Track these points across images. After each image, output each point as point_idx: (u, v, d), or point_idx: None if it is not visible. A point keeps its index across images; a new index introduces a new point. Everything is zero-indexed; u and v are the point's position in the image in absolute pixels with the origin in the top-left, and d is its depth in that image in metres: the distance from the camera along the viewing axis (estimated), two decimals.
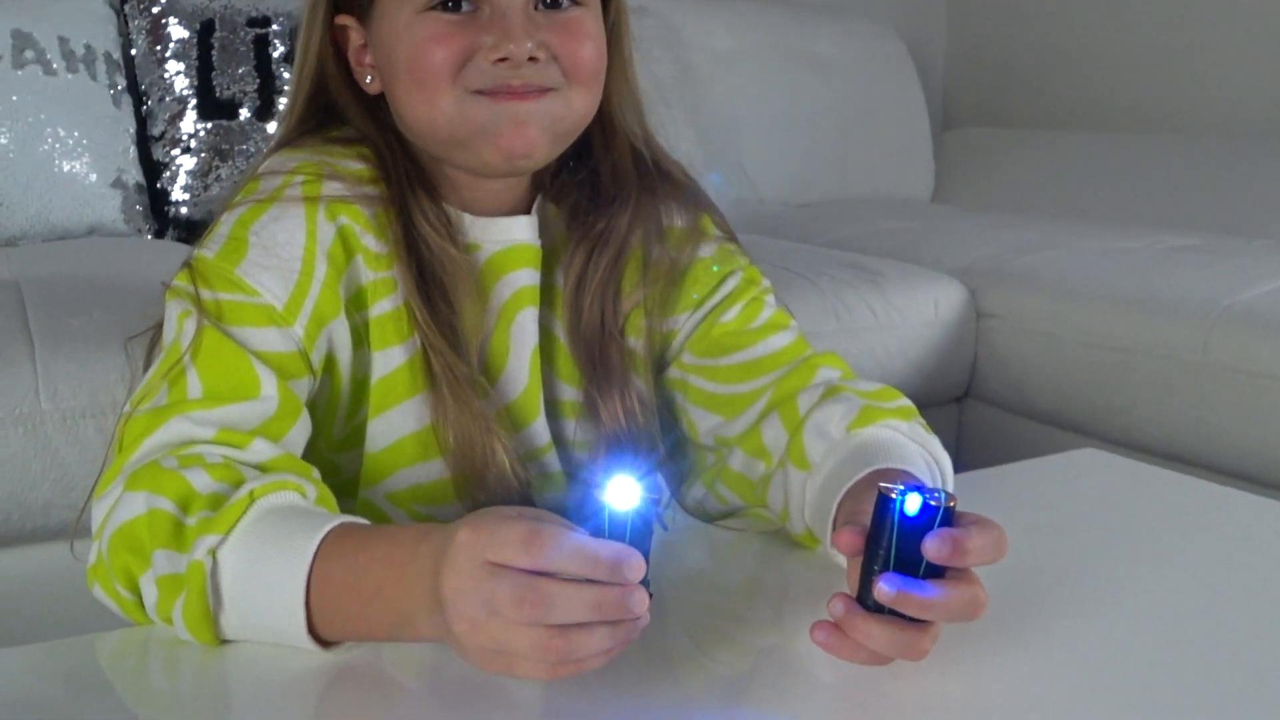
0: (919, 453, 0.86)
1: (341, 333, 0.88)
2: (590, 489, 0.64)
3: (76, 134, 1.91)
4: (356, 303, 0.89)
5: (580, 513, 0.93)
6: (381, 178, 0.90)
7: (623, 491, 0.63)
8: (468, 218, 0.94)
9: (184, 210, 1.99)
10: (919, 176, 3.01)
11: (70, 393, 1.15)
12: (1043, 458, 1.19)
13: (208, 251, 0.86)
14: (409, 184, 0.91)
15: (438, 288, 0.89)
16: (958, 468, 0.91)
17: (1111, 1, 3.08)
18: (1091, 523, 1.01)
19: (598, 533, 0.63)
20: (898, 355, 1.76)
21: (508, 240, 0.94)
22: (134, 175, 1.97)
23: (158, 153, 2.01)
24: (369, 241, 0.89)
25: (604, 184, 0.98)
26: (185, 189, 1.99)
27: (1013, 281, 1.89)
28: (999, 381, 1.88)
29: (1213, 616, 0.82)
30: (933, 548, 0.66)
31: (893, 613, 0.67)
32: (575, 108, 0.90)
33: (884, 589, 0.66)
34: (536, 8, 0.88)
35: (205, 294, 0.83)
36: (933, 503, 0.67)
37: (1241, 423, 1.57)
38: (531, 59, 0.85)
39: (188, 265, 0.86)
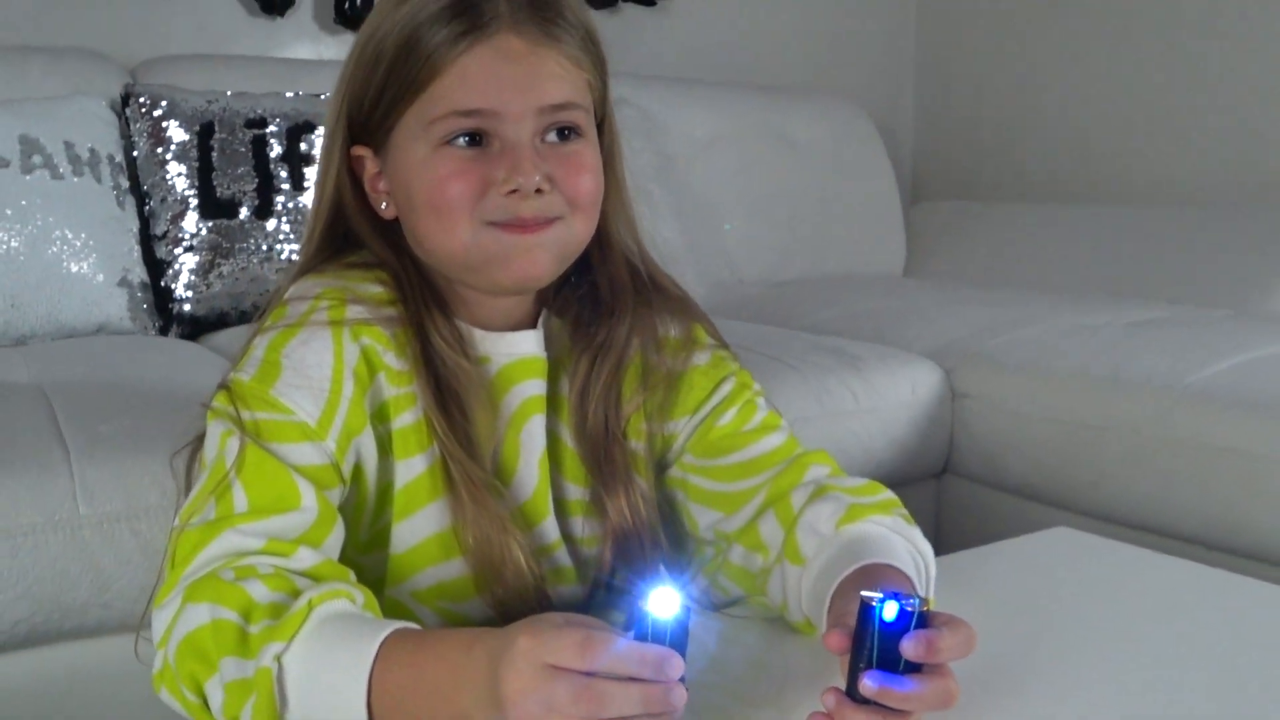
0: (902, 544, 0.94)
1: (368, 444, 0.96)
2: (638, 599, 0.73)
3: (84, 235, 1.97)
4: (380, 416, 0.97)
5: (592, 605, 1.01)
6: (399, 299, 0.98)
7: (665, 601, 0.72)
8: (478, 333, 1.02)
9: (187, 307, 2.05)
10: (891, 251, 3.10)
11: (106, 499, 1.21)
12: (1017, 538, 1.26)
13: (244, 375, 0.93)
14: (424, 304, 0.99)
15: (454, 399, 0.97)
16: (938, 541, 1.00)
17: (1073, 77, 3.19)
18: (1063, 602, 1.08)
19: (642, 636, 0.72)
20: (879, 436, 1.83)
21: (516, 353, 1.02)
22: (139, 274, 2.03)
23: (160, 251, 2.06)
24: (390, 360, 0.97)
25: (603, 297, 1.06)
26: (188, 286, 2.05)
27: (985, 363, 1.95)
28: (975, 458, 1.95)
29: (1176, 691, 0.89)
30: (909, 648, 0.75)
31: (878, 704, 0.76)
32: (577, 233, 0.99)
33: (868, 685, 0.75)
34: (542, 139, 0.96)
35: (245, 414, 0.90)
36: (908, 608, 0.76)
37: (1203, 495, 1.64)
38: (538, 190, 0.94)
39: (225, 387, 0.94)
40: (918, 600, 0.77)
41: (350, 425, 0.93)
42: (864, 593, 0.78)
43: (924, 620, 0.77)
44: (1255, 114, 2.82)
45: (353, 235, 1.04)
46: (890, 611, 0.76)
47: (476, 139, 0.95)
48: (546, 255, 0.97)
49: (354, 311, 0.96)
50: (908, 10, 3.63)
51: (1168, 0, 2.96)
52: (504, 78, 0.93)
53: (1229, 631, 1.02)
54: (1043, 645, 0.97)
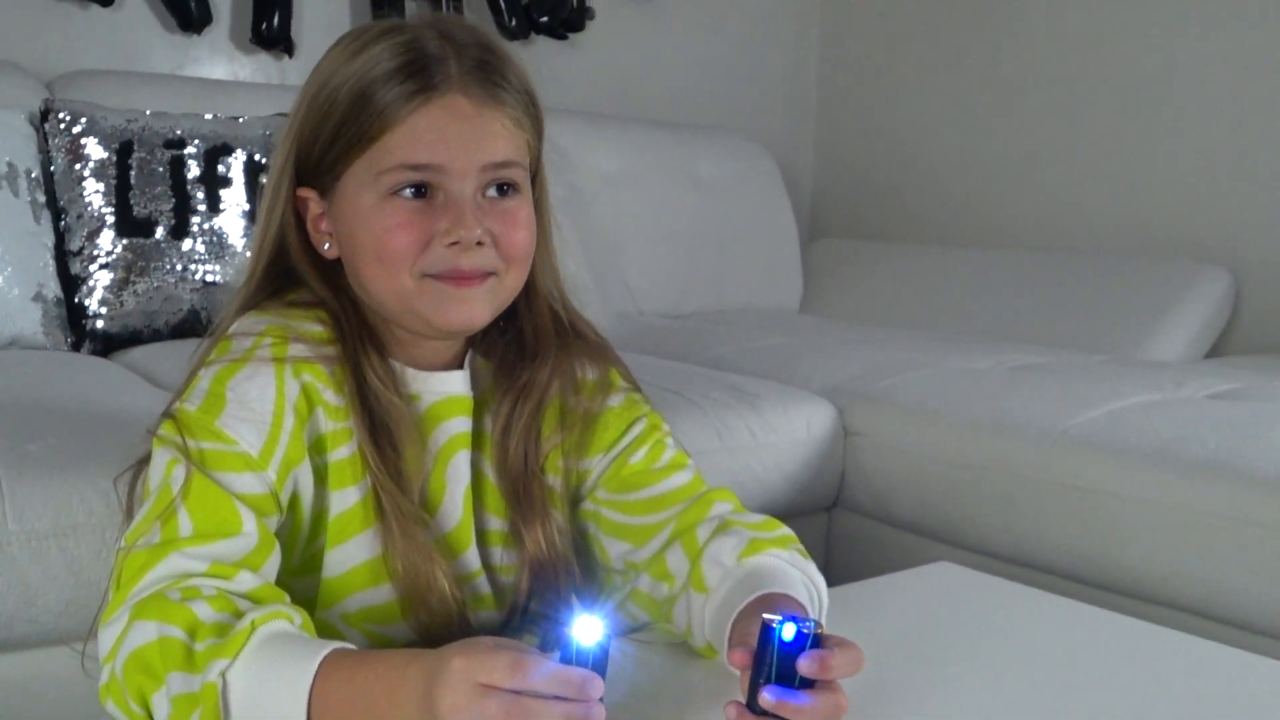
0: (798, 576, 1.03)
1: (305, 475, 1.02)
2: (563, 627, 0.80)
3: (0, 249, 1.99)
4: (317, 448, 1.02)
5: (507, 629, 1.08)
6: (337, 339, 1.04)
7: (588, 628, 0.79)
8: (410, 371, 1.08)
9: (100, 324, 2.07)
10: (788, 287, 3.19)
11: (35, 516, 1.24)
12: (902, 572, 1.35)
13: (190, 405, 0.98)
14: (361, 344, 1.05)
15: (385, 435, 1.03)
16: (828, 570, 1.08)
17: (964, 125, 3.31)
18: (941, 632, 1.17)
19: (566, 660, 0.79)
20: (774, 470, 1.90)
21: (444, 392, 1.09)
22: (53, 289, 2.04)
23: (75, 267, 2.07)
24: (329, 396, 1.02)
25: (527, 341, 1.13)
26: (102, 303, 2.07)
27: (876, 403, 2.03)
28: (864, 493, 2.02)
29: (1032, 714, 0.99)
30: (805, 665, 0.84)
31: (776, 716, 0.84)
32: (508, 286, 1.06)
33: (767, 698, 0.84)
34: (483, 194, 1.03)
35: (191, 443, 0.96)
36: (804, 630, 0.85)
37: (1076, 534, 1.74)
38: (478, 243, 1.01)
39: (170, 416, 0.99)
40: (813, 623, 0.86)
41: (290, 457, 0.99)
42: (765, 615, 0.86)
43: (818, 641, 0.86)
44: (1136, 167, 2.95)
45: (292, 272, 1.09)
46: (789, 632, 0.85)
47: (422, 191, 1.01)
48: (481, 305, 1.04)
49: (295, 350, 1.02)
50: (810, 57, 3.74)
51: (1053, 55, 3.10)
52: (452, 135, 1.00)
53: (1089, 661, 1.11)
54: (921, 670, 1.05)
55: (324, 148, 1.03)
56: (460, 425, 1.09)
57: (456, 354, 1.12)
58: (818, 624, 0.87)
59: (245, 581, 0.91)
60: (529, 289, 1.12)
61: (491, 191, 1.03)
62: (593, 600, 1.13)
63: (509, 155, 1.04)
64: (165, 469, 0.96)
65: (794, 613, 0.92)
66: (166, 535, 0.92)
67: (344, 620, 1.04)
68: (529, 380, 1.12)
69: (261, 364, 1.00)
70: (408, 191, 1.01)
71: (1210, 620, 1.59)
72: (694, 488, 1.14)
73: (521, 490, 1.10)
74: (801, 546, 1.07)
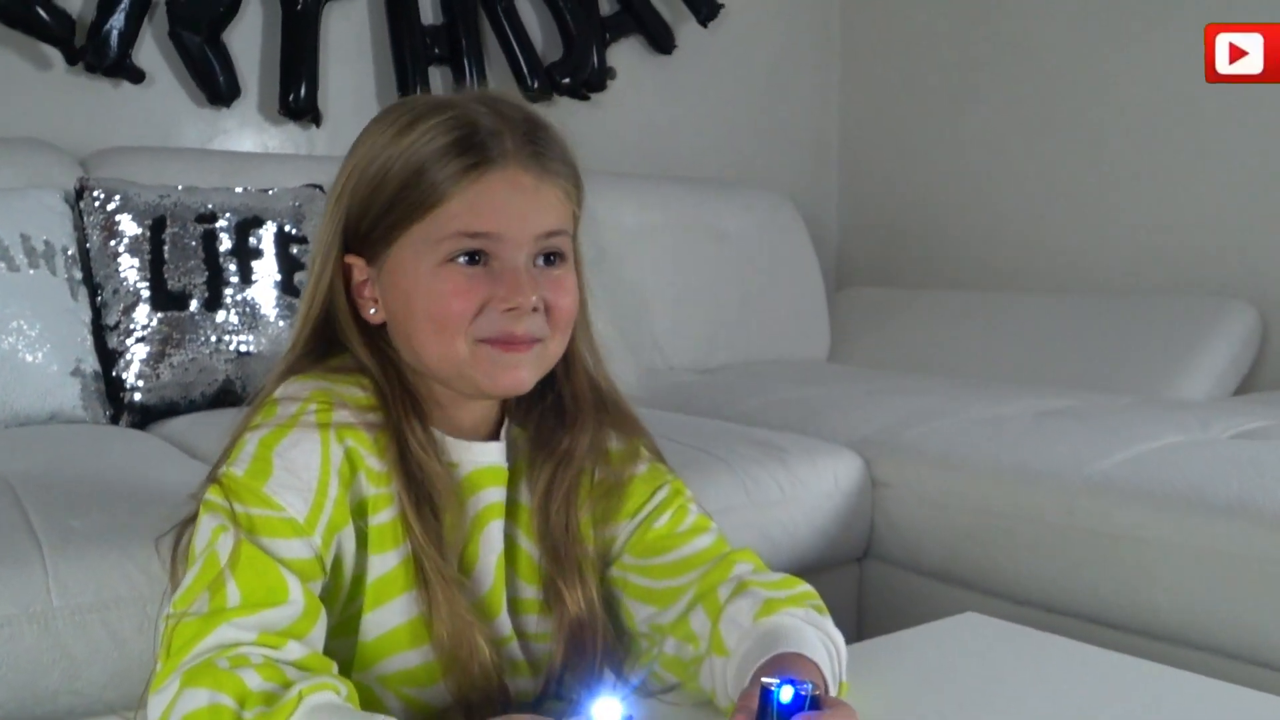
0: (814, 634, 1.04)
1: (348, 538, 1.04)
2: (582, 707, 0.82)
3: (39, 327, 2.03)
4: (359, 511, 1.05)
5: (547, 701, 1.11)
6: (380, 405, 1.07)
7: (608, 710, 0.82)
8: (449, 440, 1.11)
9: (138, 397, 2.11)
10: (816, 337, 3.22)
11: (78, 591, 1.27)
12: (926, 625, 1.36)
13: (237, 469, 1.01)
14: (403, 411, 1.07)
15: (426, 501, 1.06)
16: (861, 620, 1.10)
17: (990, 170, 3.34)
18: (965, 683, 1.19)
19: None
20: (803, 524, 1.92)
21: (481, 462, 1.12)
22: (91, 364, 2.09)
23: (112, 341, 2.12)
24: (372, 462, 1.05)
25: (566, 408, 1.17)
26: (139, 376, 2.11)
27: (903, 453, 2.05)
28: (894, 543, 2.03)
29: None
30: None
31: None
32: (552, 352, 1.10)
33: None
34: (533, 263, 1.06)
35: (239, 508, 0.99)
36: (801, 692, 0.89)
37: (1103, 578, 1.75)
38: (533, 309, 1.04)
39: (217, 480, 1.02)
40: (810, 685, 0.90)
41: (335, 522, 1.02)
42: (764, 679, 0.90)
43: (816, 703, 0.90)
44: (1159, 205, 2.97)
45: (334, 339, 1.12)
46: (786, 695, 0.89)
47: (475, 258, 1.05)
48: (529, 370, 1.08)
49: (340, 415, 1.05)
50: (830, 107, 3.78)
51: (1074, 98, 3.13)
52: (511, 206, 1.04)
53: (1110, 710, 1.12)
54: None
55: (374, 220, 1.07)
56: (495, 495, 1.12)
57: (494, 422, 1.15)
58: (814, 686, 0.91)
59: (293, 651, 0.94)
60: (568, 356, 1.15)
61: (540, 261, 1.07)
62: (621, 677, 1.15)
63: (559, 224, 1.07)
64: (212, 535, 0.98)
65: (804, 671, 0.95)
66: (215, 605, 0.94)
67: (380, 682, 1.07)
68: (569, 447, 1.15)
69: (307, 429, 1.03)
70: (462, 259, 1.04)
71: (1240, 662, 1.60)
72: (716, 549, 1.16)
73: (563, 553, 1.13)
74: (819, 603, 1.10)
